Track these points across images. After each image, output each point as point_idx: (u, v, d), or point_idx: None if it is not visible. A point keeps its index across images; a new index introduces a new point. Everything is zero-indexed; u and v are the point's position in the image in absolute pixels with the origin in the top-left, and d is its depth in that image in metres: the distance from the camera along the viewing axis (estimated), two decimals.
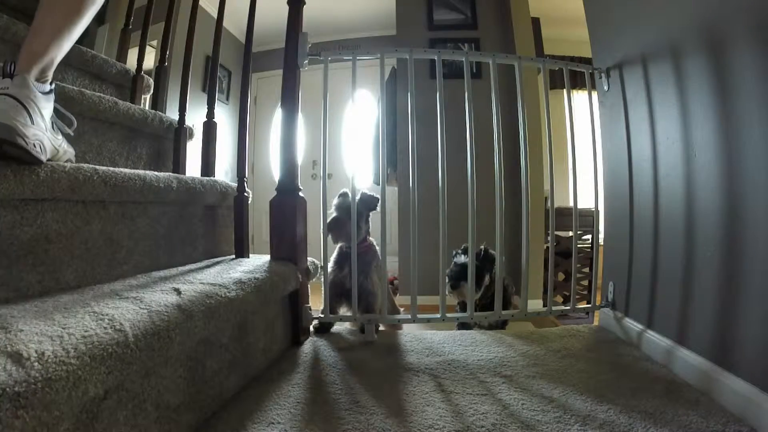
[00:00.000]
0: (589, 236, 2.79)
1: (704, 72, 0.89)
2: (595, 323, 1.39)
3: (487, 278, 1.52)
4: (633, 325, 1.16)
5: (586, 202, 1.40)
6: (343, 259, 1.27)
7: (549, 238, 1.41)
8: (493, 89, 1.25)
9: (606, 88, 1.34)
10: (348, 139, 3.72)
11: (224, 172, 3.48)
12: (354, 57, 1.22)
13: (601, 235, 1.47)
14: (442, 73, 1.25)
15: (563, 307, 1.34)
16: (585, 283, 2.73)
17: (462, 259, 1.53)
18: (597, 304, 1.36)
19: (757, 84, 0.75)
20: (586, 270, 2.72)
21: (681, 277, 0.98)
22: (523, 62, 1.31)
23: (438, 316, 1.20)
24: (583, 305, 1.44)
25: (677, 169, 1.00)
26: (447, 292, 1.53)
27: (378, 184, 2.71)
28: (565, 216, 2.27)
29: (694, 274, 0.93)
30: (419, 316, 1.19)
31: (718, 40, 0.85)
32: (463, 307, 1.47)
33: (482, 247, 1.53)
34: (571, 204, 1.30)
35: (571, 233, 1.61)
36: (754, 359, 0.75)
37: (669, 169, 1.03)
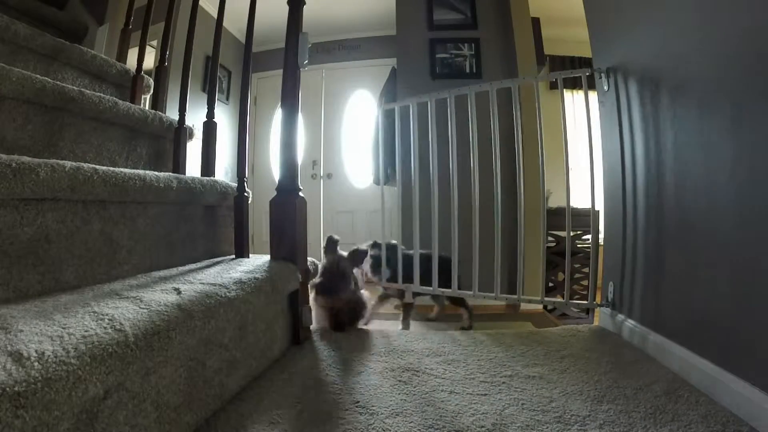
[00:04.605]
0: (589, 236, 2.79)
1: (701, 74, 0.89)
2: (596, 323, 1.39)
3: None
4: (633, 325, 1.16)
5: (586, 202, 1.40)
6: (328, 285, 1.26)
7: (547, 237, 1.42)
8: (493, 115, 1.31)
9: (606, 88, 1.34)
10: (348, 139, 3.72)
11: (224, 172, 3.47)
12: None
13: (602, 235, 1.48)
14: (452, 109, 1.34)
15: (557, 299, 1.40)
16: (585, 282, 2.73)
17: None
18: (596, 303, 1.36)
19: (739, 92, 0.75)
20: (587, 270, 2.72)
21: (681, 277, 0.98)
22: (517, 82, 1.46)
23: None
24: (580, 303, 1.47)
25: (676, 169, 0.99)
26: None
27: (378, 184, 2.71)
28: (564, 216, 2.27)
29: (694, 275, 0.93)
30: None
31: (713, 42, 0.85)
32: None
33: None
34: (571, 204, 1.31)
35: (571, 233, 1.63)
36: (755, 360, 0.74)
37: (668, 168, 1.03)
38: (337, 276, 1.26)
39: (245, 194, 1.19)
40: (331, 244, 1.32)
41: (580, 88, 1.61)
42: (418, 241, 1.60)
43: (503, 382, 0.91)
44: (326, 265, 1.28)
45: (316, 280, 1.24)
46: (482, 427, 0.72)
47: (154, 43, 2.09)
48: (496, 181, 1.45)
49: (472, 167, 1.49)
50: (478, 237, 1.49)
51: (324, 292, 1.23)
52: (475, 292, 1.51)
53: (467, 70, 2.64)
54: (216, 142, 1.38)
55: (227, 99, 3.66)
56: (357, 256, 1.34)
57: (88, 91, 1.06)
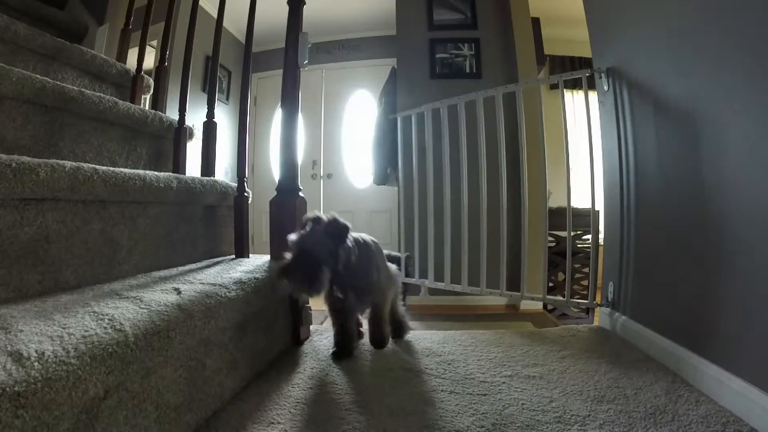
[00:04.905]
0: (589, 236, 2.79)
1: (700, 74, 0.89)
2: (595, 323, 1.39)
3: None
4: (633, 325, 1.16)
5: (587, 202, 1.40)
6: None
7: (549, 237, 1.44)
8: (499, 119, 1.44)
9: (606, 88, 1.34)
10: (348, 139, 3.72)
11: (224, 172, 3.47)
12: None
13: (602, 235, 1.49)
14: (461, 114, 1.37)
15: (558, 298, 1.46)
16: (585, 282, 2.73)
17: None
18: (596, 303, 1.36)
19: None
20: (587, 270, 2.72)
21: (680, 277, 0.98)
22: (521, 86, 1.52)
23: None
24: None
25: (671, 168, 0.99)
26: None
27: (377, 184, 2.71)
28: (564, 216, 2.27)
29: (693, 276, 0.93)
30: None
31: (713, 42, 0.85)
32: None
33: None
34: (572, 204, 1.32)
35: (571, 233, 1.66)
36: (755, 360, 0.75)
37: (663, 168, 1.03)
38: (307, 257, 0.87)
39: (245, 194, 1.19)
40: (316, 223, 0.93)
41: (581, 88, 1.63)
42: (432, 240, 1.72)
43: (503, 382, 0.91)
44: (296, 240, 0.90)
45: (283, 260, 0.91)
46: (482, 427, 0.72)
47: (154, 43, 2.09)
48: (500, 182, 1.51)
49: (479, 168, 1.57)
50: (486, 236, 1.56)
51: (289, 276, 0.87)
52: (483, 289, 1.58)
53: (467, 70, 2.64)
54: (216, 142, 1.38)
55: (227, 99, 3.66)
56: (337, 230, 0.92)
57: (88, 91, 1.06)
